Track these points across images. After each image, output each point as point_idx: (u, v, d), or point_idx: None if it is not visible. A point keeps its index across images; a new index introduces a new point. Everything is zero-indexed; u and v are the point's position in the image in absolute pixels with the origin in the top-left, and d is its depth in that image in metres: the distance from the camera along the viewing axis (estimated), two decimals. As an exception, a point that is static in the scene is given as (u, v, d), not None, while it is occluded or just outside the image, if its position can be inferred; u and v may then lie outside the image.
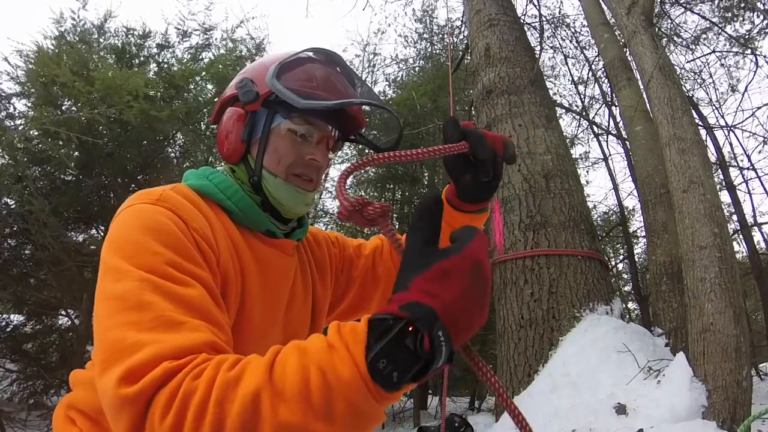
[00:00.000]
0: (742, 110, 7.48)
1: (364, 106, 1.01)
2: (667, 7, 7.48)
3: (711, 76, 8.14)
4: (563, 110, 8.70)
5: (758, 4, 7.13)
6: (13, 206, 5.35)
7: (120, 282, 0.66)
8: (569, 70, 9.47)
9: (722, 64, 8.10)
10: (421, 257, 0.58)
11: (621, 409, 2.93)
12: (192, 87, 6.89)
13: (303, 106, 0.88)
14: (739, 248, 7.66)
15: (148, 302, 0.63)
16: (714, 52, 7.88)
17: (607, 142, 9.04)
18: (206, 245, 0.77)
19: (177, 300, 0.65)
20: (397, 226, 9.32)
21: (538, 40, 7.34)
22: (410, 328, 0.52)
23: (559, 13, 8.98)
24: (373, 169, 9.43)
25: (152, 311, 0.62)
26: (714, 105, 8.11)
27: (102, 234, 6.46)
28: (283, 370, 0.53)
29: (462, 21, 8.41)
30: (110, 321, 0.63)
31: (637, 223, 9.73)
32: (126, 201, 0.81)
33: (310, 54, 1.00)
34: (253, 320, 0.87)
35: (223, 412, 0.52)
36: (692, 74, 8.22)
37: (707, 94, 8.43)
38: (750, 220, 7.39)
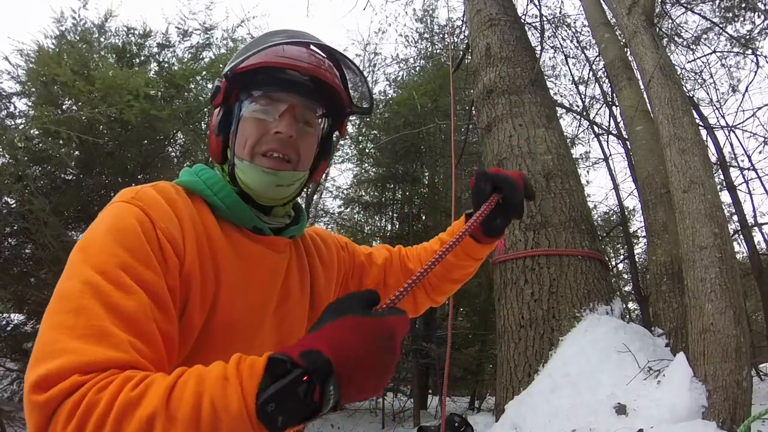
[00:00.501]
0: (743, 110, 7.45)
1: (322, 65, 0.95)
2: (667, 7, 7.47)
3: (712, 77, 8.14)
4: (564, 110, 8.69)
5: (759, 4, 7.13)
6: (14, 205, 5.35)
7: (69, 280, 0.69)
8: (570, 70, 9.47)
9: (723, 65, 8.10)
10: (349, 305, 0.62)
11: (621, 409, 2.93)
12: (192, 86, 6.89)
13: (238, 65, 0.88)
14: (740, 248, 7.67)
15: (85, 308, 0.64)
16: (715, 52, 7.88)
17: (607, 142, 9.04)
18: (170, 247, 0.77)
19: (112, 310, 0.65)
20: (397, 226, 9.32)
21: (539, 39, 7.33)
22: (304, 378, 0.55)
23: (560, 12, 8.98)
24: (374, 169, 9.44)
25: (86, 318, 0.64)
26: (714, 105, 8.11)
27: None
28: (180, 396, 0.56)
29: (462, 21, 8.40)
30: (50, 320, 0.65)
31: (637, 223, 9.74)
32: (116, 195, 0.84)
33: (280, 38, 0.96)
34: (235, 320, 0.86)
35: (120, 430, 0.55)
36: (693, 74, 8.21)
37: (708, 94, 8.45)
38: (750, 220, 7.39)
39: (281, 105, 0.91)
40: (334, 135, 1.06)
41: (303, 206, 1.10)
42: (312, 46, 0.97)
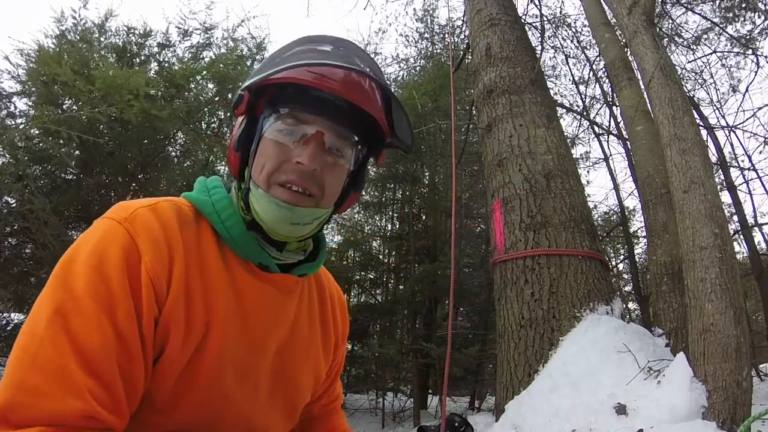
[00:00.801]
0: (743, 110, 7.45)
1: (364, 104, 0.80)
2: (668, 7, 7.47)
3: (712, 77, 8.14)
4: (564, 110, 8.69)
5: (759, 4, 7.12)
6: (14, 205, 5.36)
7: (45, 301, 0.67)
8: (570, 69, 9.48)
9: (723, 65, 8.10)
10: None
11: (621, 409, 2.93)
12: (193, 86, 6.90)
13: (258, 80, 0.75)
14: (740, 249, 7.67)
15: (52, 340, 0.64)
16: (715, 52, 7.88)
17: (608, 142, 9.05)
18: (152, 289, 0.71)
19: (77, 348, 0.64)
20: (397, 225, 9.32)
21: (539, 39, 7.33)
22: None
23: (560, 12, 8.99)
24: (374, 169, 9.43)
25: (51, 350, 0.63)
26: (715, 105, 8.11)
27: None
28: None
29: (463, 20, 8.41)
30: (19, 342, 0.65)
31: (637, 223, 9.75)
32: (111, 208, 0.79)
33: (314, 45, 0.83)
34: (224, 361, 0.79)
35: None
36: (693, 74, 8.21)
37: (708, 94, 8.47)
38: (751, 220, 7.39)
39: (308, 129, 0.79)
40: (368, 163, 0.92)
41: (324, 238, 0.97)
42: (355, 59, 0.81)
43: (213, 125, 7.71)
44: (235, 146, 0.84)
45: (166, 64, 6.95)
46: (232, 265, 0.82)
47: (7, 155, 5.24)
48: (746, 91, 7.21)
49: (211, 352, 0.78)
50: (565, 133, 6.13)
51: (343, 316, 1.07)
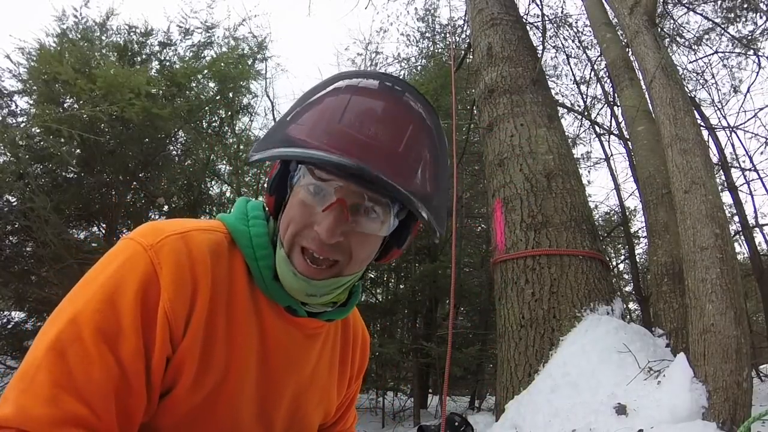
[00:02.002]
0: (744, 111, 7.47)
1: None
2: (669, 7, 7.47)
3: (713, 77, 8.14)
4: (565, 110, 8.69)
5: (761, 5, 7.11)
6: (15, 203, 5.36)
7: (55, 323, 0.66)
8: (571, 69, 9.46)
9: (725, 65, 8.10)
10: None
11: (621, 410, 2.93)
12: (194, 85, 6.89)
13: (266, 155, 0.69)
14: (741, 249, 7.67)
15: (48, 369, 0.63)
16: (716, 52, 7.88)
17: (609, 142, 9.05)
18: (167, 328, 0.68)
19: (72, 378, 0.63)
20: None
21: (541, 39, 7.34)
22: None
23: (562, 12, 8.99)
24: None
25: (45, 376, 0.62)
26: (716, 106, 8.11)
27: (103, 231, 6.47)
28: None
29: (464, 20, 8.40)
30: (27, 358, 0.65)
31: (638, 224, 9.75)
32: (142, 226, 0.74)
33: (366, 83, 0.73)
34: (239, 402, 0.78)
35: None
36: (695, 75, 8.21)
37: (709, 94, 8.47)
38: (751, 221, 7.38)
39: (332, 192, 0.70)
40: (412, 220, 0.81)
41: (360, 286, 0.90)
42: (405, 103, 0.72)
43: (214, 124, 7.72)
44: (269, 189, 0.78)
45: (168, 63, 6.95)
46: (261, 305, 0.79)
47: (8, 154, 5.24)
48: (747, 91, 7.22)
49: (228, 391, 0.76)
50: (566, 133, 6.12)
51: (363, 353, 1.04)
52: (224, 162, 7.77)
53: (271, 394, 0.82)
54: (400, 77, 0.79)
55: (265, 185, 0.79)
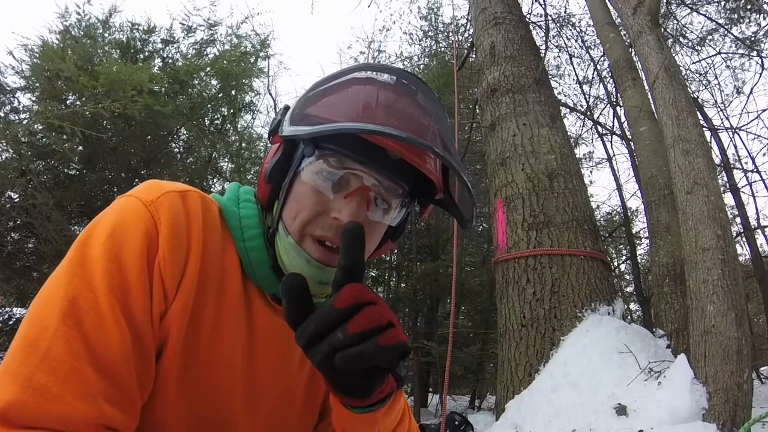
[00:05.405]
0: (747, 112, 7.48)
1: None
2: (673, 7, 7.45)
3: (716, 78, 8.13)
4: (568, 110, 8.69)
5: (765, 6, 7.09)
6: (17, 200, 5.38)
7: (60, 290, 0.60)
8: (574, 69, 9.46)
9: (728, 66, 8.09)
10: None
11: (621, 410, 2.93)
12: (196, 82, 6.91)
13: (304, 132, 0.66)
14: (742, 251, 7.66)
15: (65, 337, 0.57)
16: (720, 53, 7.86)
17: (611, 142, 9.04)
18: (161, 285, 0.65)
19: (91, 347, 0.58)
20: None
21: (544, 39, 7.33)
22: None
23: (565, 12, 8.97)
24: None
25: (63, 348, 0.57)
26: (719, 107, 8.10)
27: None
28: None
29: (467, 19, 8.39)
30: (28, 333, 0.58)
31: (640, 224, 9.74)
32: (140, 184, 0.72)
33: (377, 76, 0.73)
34: (226, 396, 0.74)
35: None
36: (698, 75, 8.20)
37: (712, 95, 8.41)
38: (753, 222, 7.37)
39: (353, 180, 0.70)
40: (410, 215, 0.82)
41: None
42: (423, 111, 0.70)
43: (216, 122, 7.73)
44: (266, 177, 0.75)
45: (170, 61, 6.96)
46: (251, 289, 0.76)
47: (10, 150, 5.25)
48: (750, 92, 7.18)
49: (214, 378, 0.72)
50: (569, 133, 6.12)
51: None
52: (226, 159, 7.78)
53: (257, 390, 0.79)
54: (414, 74, 0.78)
55: (264, 173, 0.76)
